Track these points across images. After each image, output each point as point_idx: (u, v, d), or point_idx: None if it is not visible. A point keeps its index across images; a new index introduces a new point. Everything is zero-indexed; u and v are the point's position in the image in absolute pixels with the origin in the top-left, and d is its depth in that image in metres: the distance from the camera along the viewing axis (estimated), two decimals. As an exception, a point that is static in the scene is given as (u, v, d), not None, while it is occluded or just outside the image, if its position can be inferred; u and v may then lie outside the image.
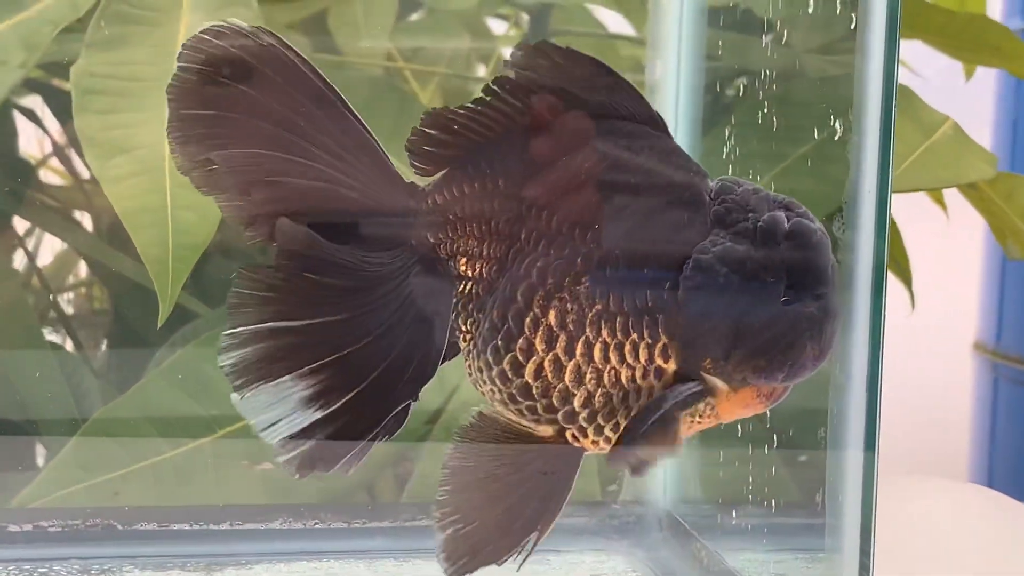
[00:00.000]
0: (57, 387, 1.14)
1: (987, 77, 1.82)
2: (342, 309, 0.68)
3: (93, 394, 1.16)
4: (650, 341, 0.68)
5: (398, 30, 1.28)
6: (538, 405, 0.70)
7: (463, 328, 0.71)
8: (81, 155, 1.31)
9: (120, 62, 1.00)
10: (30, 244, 1.33)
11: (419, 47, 1.30)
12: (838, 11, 0.79)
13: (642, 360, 0.68)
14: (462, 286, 0.71)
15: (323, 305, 0.67)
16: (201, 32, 0.69)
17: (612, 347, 0.68)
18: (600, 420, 0.70)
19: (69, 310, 1.38)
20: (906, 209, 1.20)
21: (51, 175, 1.38)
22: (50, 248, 1.36)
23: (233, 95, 0.68)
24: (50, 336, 1.29)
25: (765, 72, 0.90)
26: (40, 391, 1.15)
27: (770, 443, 0.90)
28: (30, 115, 1.29)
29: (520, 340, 0.69)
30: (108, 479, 1.03)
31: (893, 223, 1.36)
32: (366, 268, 0.69)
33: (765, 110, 0.88)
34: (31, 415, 1.13)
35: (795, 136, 0.88)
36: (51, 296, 1.33)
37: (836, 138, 0.78)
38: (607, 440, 0.70)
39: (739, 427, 0.93)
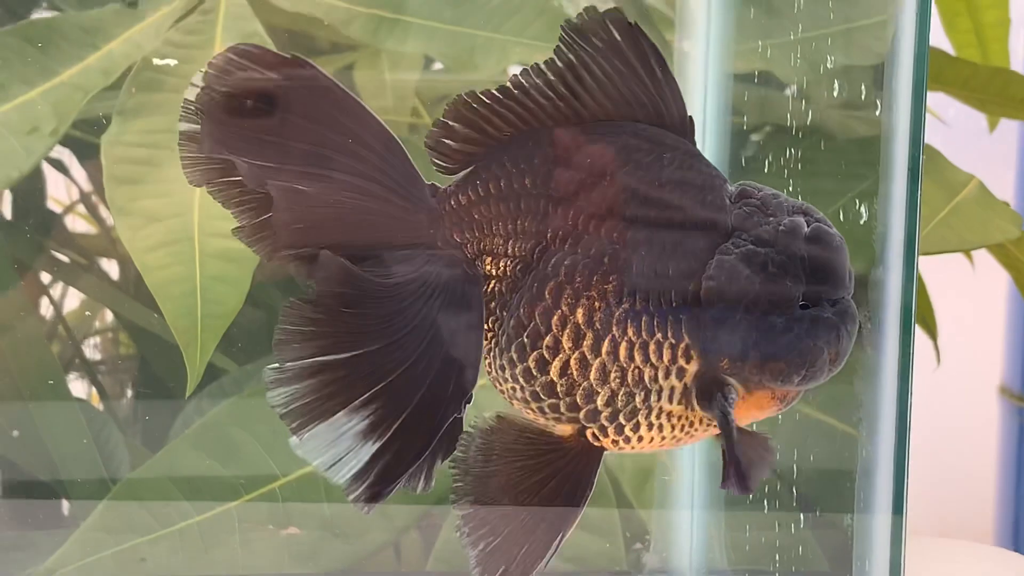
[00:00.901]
0: (84, 445, 1.15)
1: (1011, 124, 1.81)
2: (383, 336, 0.68)
3: (120, 451, 1.16)
4: (673, 341, 0.69)
5: (423, 83, 1.29)
6: (561, 403, 0.70)
7: (487, 326, 0.71)
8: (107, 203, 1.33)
9: (149, 130, 1.01)
10: (56, 290, 1.34)
11: (443, 97, 1.31)
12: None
13: (665, 360, 0.69)
14: (487, 285, 0.71)
15: (365, 335, 0.67)
16: (229, 52, 0.69)
17: (637, 346, 0.69)
18: (621, 419, 0.70)
19: (95, 355, 1.39)
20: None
21: (78, 221, 1.39)
22: (76, 292, 1.37)
23: (262, 118, 0.69)
24: (74, 383, 1.30)
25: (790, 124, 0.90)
26: (67, 449, 1.15)
27: (797, 509, 0.90)
28: (57, 165, 1.31)
29: (547, 337, 0.69)
30: (135, 544, 1.03)
31: (920, 278, 1.37)
32: (399, 288, 0.69)
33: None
34: (59, 475, 1.13)
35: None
36: (76, 344, 1.34)
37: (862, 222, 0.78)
38: (626, 440, 0.71)
39: (766, 492, 0.93)
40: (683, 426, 0.71)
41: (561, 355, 0.69)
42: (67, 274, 1.30)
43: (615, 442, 0.71)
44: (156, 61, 1.04)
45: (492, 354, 0.71)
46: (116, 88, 1.05)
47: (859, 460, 0.78)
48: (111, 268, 1.36)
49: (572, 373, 0.69)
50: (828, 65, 0.88)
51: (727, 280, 0.68)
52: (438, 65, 1.33)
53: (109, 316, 1.39)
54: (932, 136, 1.54)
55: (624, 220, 0.69)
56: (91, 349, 1.40)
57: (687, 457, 1.03)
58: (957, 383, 1.86)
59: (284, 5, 1.10)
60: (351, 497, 0.68)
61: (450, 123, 0.70)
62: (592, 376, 0.69)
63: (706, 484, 1.04)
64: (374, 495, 0.68)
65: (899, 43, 0.74)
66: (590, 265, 0.69)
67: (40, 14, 1.20)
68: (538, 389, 0.70)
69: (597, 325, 0.69)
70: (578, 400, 0.70)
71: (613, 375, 0.69)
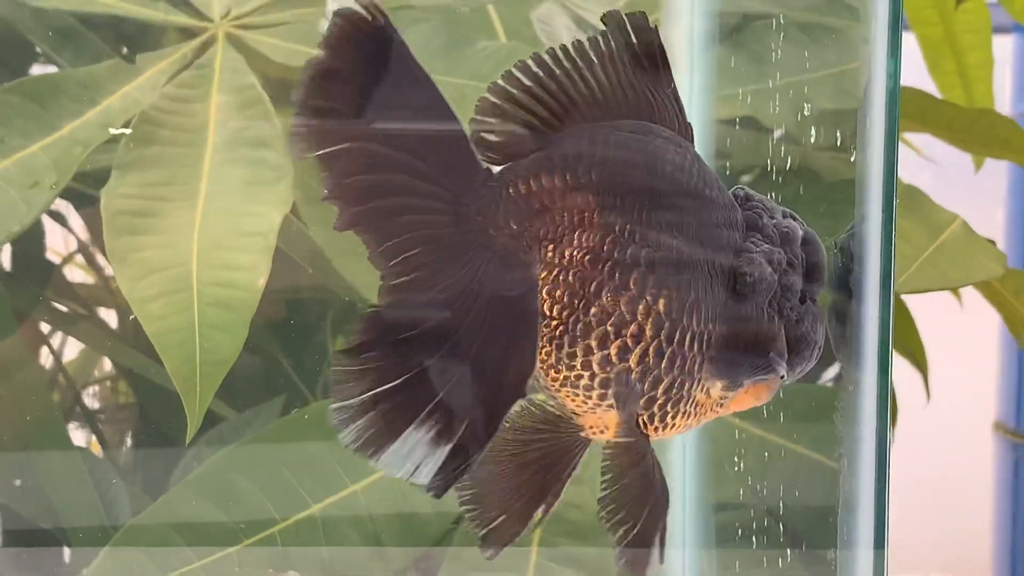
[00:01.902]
0: (86, 493, 1.17)
1: (1000, 161, 1.84)
2: (437, 348, 0.67)
3: (121, 498, 1.18)
4: (712, 331, 0.72)
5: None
6: (629, 392, 0.71)
7: (551, 313, 0.71)
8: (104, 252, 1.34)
9: (148, 183, 1.03)
10: (55, 339, 1.36)
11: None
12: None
13: (706, 348, 0.72)
14: (550, 273, 0.70)
15: (418, 356, 0.66)
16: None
17: (696, 336, 0.71)
18: (669, 406, 0.72)
19: (94, 403, 1.41)
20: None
21: (76, 271, 1.41)
22: (72, 344, 1.39)
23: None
24: (75, 432, 1.32)
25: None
26: (69, 497, 1.17)
27: (785, 545, 0.91)
28: (55, 216, 1.33)
29: (632, 326, 0.69)
30: (138, 591, 1.05)
31: (908, 314, 1.38)
32: (446, 294, 0.67)
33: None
34: (61, 523, 1.15)
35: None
36: (76, 393, 1.36)
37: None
38: (664, 426, 0.72)
39: (754, 529, 0.94)
40: (701, 413, 0.74)
41: (643, 343, 0.70)
42: (66, 324, 1.32)
43: (656, 428, 0.73)
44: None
45: (554, 343, 0.71)
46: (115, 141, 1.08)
47: (841, 495, 0.79)
48: (109, 317, 1.37)
49: (648, 360, 0.70)
50: (805, 112, 0.90)
51: (758, 275, 0.72)
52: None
53: (108, 364, 1.41)
54: (921, 175, 1.56)
55: (679, 215, 0.71)
56: (90, 397, 1.41)
57: (677, 495, 1.04)
58: (953, 420, 1.88)
59: (279, 58, 1.12)
60: (432, 494, 0.66)
61: (499, 107, 0.69)
62: (664, 364, 0.70)
63: (697, 522, 1.05)
64: (448, 484, 0.67)
65: (872, 87, 0.77)
66: (666, 257, 0.70)
67: (38, 68, 1.23)
68: (612, 376, 0.70)
69: (674, 315, 0.70)
70: (646, 387, 0.71)
71: (678, 363, 0.71)
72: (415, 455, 0.66)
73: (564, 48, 0.69)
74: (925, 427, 1.53)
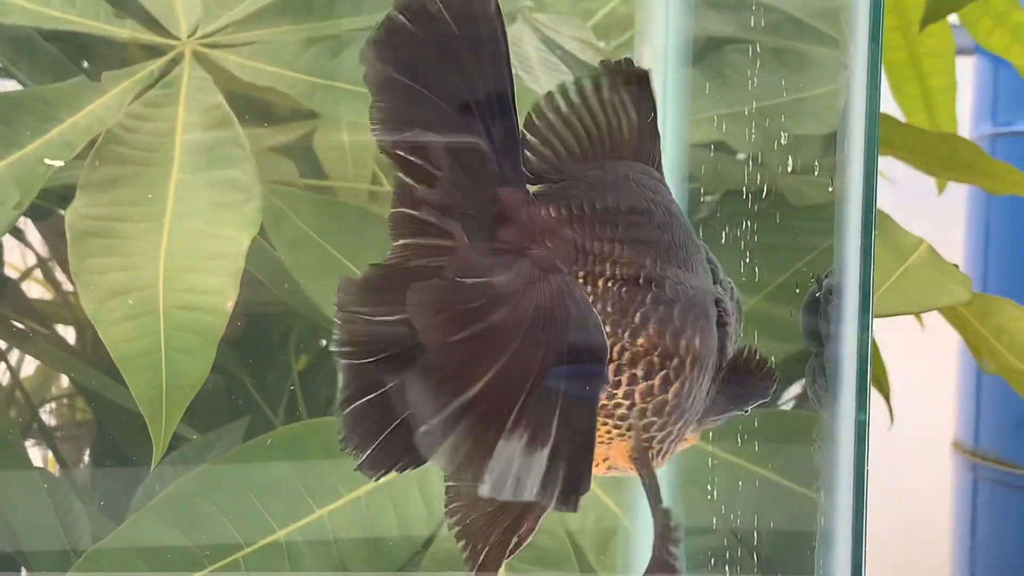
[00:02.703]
0: (45, 515, 1.15)
1: (960, 185, 1.85)
2: (500, 352, 0.63)
3: (81, 521, 1.16)
4: (719, 362, 0.72)
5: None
6: (659, 421, 0.69)
7: None
8: (64, 269, 1.33)
9: (114, 203, 1.01)
10: (12, 356, 1.34)
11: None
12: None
13: (715, 381, 0.73)
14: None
15: (484, 360, 0.63)
16: None
17: (713, 367, 0.71)
18: (675, 442, 0.71)
19: (52, 422, 1.39)
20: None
21: (34, 287, 1.39)
22: (29, 361, 1.37)
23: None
24: (32, 450, 1.30)
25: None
26: (28, 519, 1.15)
27: (759, 573, 0.91)
28: (14, 231, 1.31)
29: (675, 359, 0.68)
30: (100, 618, 1.03)
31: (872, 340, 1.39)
32: (501, 295, 0.63)
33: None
34: (20, 546, 1.13)
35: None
36: (34, 411, 1.34)
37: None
38: (663, 459, 0.71)
39: (727, 559, 0.94)
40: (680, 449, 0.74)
41: (683, 376, 0.69)
42: (23, 341, 1.31)
43: (656, 463, 0.72)
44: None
45: None
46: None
47: (818, 525, 0.79)
48: (67, 334, 1.36)
49: (683, 394, 0.69)
50: (783, 137, 0.90)
51: (738, 314, 0.74)
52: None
53: (66, 382, 1.39)
54: (881, 198, 1.57)
55: (687, 254, 0.71)
56: (48, 415, 1.39)
57: (648, 520, 1.04)
58: (912, 440, 1.89)
59: (246, 77, 1.11)
60: (556, 505, 0.63)
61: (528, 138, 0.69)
62: (692, 397, 0.70)
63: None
64: (573, 487, 0.63)
65: (851, 111, 0.77)
66: (700, 293, 0.70)
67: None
68: (649, 407, 0.69)
69: (704, 348, 0.70)
70: (672, 418, 0.70)
71: (699, 398, 0.71)
72: (513, 468, 0.62)
73: (591, 81, 0.70)
74: (885, 446, 1.53)
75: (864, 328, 0.76)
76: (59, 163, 1.05)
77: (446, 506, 0.71)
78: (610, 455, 0.71)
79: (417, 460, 0.63)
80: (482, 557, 0.71)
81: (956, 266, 1.26)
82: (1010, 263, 1.94)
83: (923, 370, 1.91)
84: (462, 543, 0.71)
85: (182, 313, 0.97)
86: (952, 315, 1.30)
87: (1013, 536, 1.97)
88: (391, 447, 0.63)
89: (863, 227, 0.77)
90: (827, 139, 0.90)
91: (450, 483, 0.71)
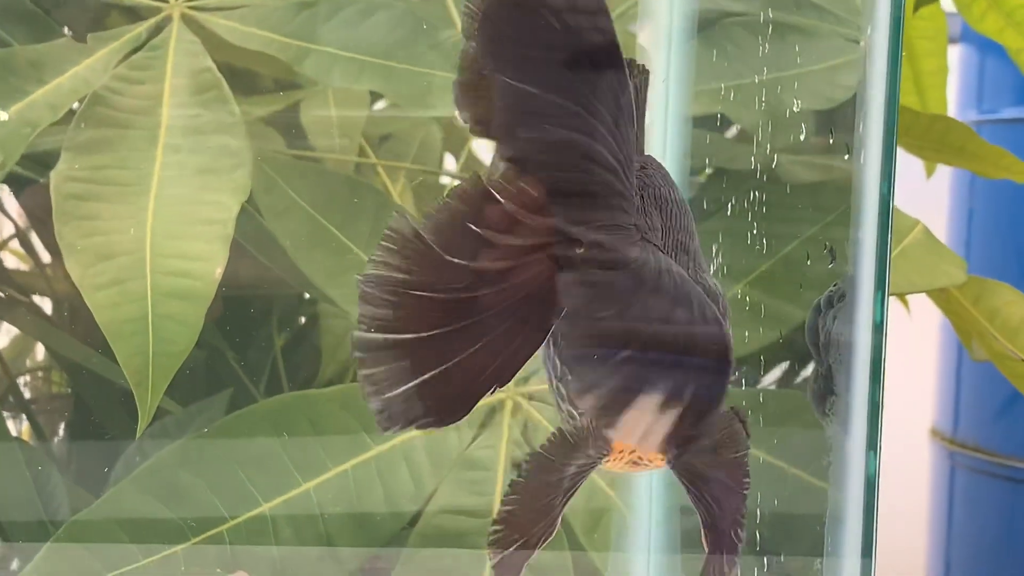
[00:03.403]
0: (22, 485, 1.13)
1: (944, 170, 1.85)
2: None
3: (59, 492, 1.14)
4: None
5: (371, 121, 1.28)
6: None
7: None
8: (42, 238, 1.30)
9: (100, 166, 0.99)
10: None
11: (387, 135, 1.31)
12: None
13: None
14: None
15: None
16: None
17: None
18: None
19: (29, 393, 1.37)
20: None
21: (8, 258, 1.37)
22: (6, 332, 1.35)
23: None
24: (8, 421, 1.28)
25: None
26: (4, 489, 1.13)
27: (760, 552, 0.90)
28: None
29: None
30: (80, 589, 1.01)
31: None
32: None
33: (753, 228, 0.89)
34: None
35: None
36: (11, 381, 1.32)
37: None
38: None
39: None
40: None
41: None
42: (2, 309, 1.28)
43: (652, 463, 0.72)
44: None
45: None
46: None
47: (829, 504, 0.78)
48: (45, 305, 1.33)
49: None
50: (794, 108, 0.89)
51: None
52: (381, 103, 1.33)
53: (44, 354, 1.37)
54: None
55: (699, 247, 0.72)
56: (25, 387, 1.37)
57: (644, 498, 1.03)
58: (890, 426, 1.88)
59: (236, 40, 1.09)
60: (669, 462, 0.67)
61: None
62: None
63: (663, 526, 1.04)
64: (686, 450, 0.67)
65: (870, 83, 0.75)
66: (714, 290, 0.70)
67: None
68: None
69: None
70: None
71: None
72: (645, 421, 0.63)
73: None
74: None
75: (880, 304, 0.75)
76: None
77: (505, 495, 0.71)
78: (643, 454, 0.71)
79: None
80: (515, 547, 0.71)
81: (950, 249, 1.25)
82: (993, 249, 1.94)
83: (902, 357, 1.90)
84: (502, 529, 0.70)
85: (170, 279, 0.95)
86: (942, 298, 1.29)
87: (989, 524, 1.97)
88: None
89: (880, 207, 0.76)
90: (831, 114, 0.89)
91: (519, 478, 0.71)
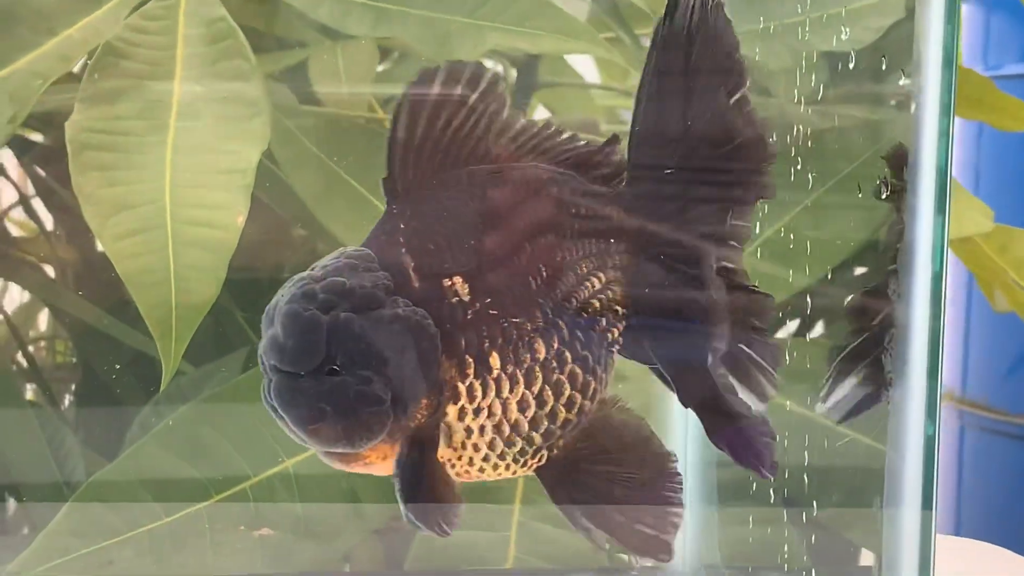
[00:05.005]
0: (38, 447, 1.11)
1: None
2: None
3: (74, 455, 1.13)
4: None
5: (380, 78, 1.26)
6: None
7: None
8: (48, 205, 1.28)
9: (115, 116, 0.97)
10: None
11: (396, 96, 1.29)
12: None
13: None
14: None
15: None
16: None
17: None
18: None
19: (40, 356, 1.35)
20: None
21: (13, 227, 1.35)
22: (9, 302, 1.33)
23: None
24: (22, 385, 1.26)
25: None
26: (20, 453, 1.12)
27: (805, 503, 0.90)
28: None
29: None
30: (102, 547, 1.00)
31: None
32: None
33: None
34: (13, 478, 1.10)
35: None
36: (23, 345, 1.30)
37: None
38: None
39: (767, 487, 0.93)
40: None
41: None
42: (13, 272, 1.26)
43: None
44: None
45: None
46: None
47: (886, 459, 0.77)
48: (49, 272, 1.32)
49: None
50: (842, 37, 0.87)
51: None
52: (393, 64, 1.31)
53: (51, 319, 1.35)
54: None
55: None
56: (38, 350, 1.36)
57: (679, 450, 1.02)
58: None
59: (249, -9, 1.07)
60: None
61: None
62: None
63: (700, 478, 1.03)
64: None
65: (928, 13, 0.73)
66: None
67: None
68: None
69: None
70: None
71: None
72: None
73: None
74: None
75: (939, 256, 0.74)
76: None
77: None
78: None
79: None
80: None
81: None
82: (1000, 204, 1.92)
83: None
84: None
85: (191, 228, 0.93)
86: (965, 248, 1.27)
87: (999, 483, 1.96)
88: None
89: (940, 131, 0.74)
90: (867, 52, 0.87)
91: None
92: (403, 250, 0.68)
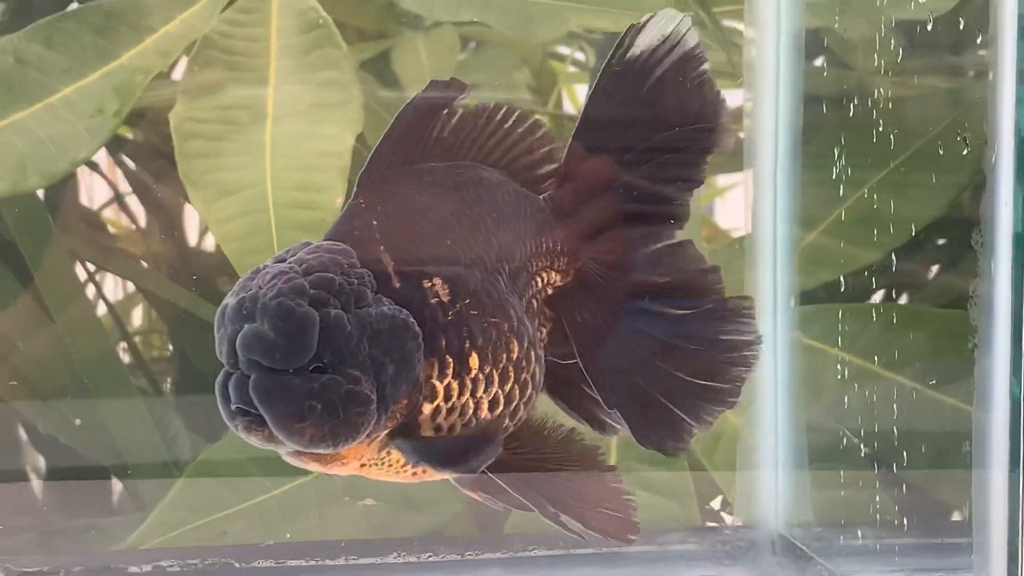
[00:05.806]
0: (146, 431, 1.15)
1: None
2: None
3: (180, 437, 1.16)
4: None
5: (461, 66, 1.29)
6: None
7: None
8: (144, 202, 1.33)
9: (216, 107, 1.01)
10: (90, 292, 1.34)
11: (477, 83, 1.31)
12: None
13: None
14: None
15: None
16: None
17: None
18: None
19: (144, 345, 1.39)
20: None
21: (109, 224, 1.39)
22: (116, 287, 1.37)
23: None
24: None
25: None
26: (130, 435, 1.15)
27: (891, 463, 0.91)
28: (91, 165, 1.30)
29: None
30: (216, 519, 1.03)
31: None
32: None
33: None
34: (126, 459, 1.13)
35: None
36: (128, 335, 1.34)
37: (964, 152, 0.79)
38: None
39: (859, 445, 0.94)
40: None
41: None
42: (119, 268, 1.30)
43: None
44: None
45: None
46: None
47: (973, 422, 0.78)
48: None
49: None
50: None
51: None
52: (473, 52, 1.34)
53: (151, 310, 1.39)
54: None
55: None
56: (141, 339, 1.40)
57: (770, 415, 1.04)
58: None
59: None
60: None
61: None
62: None
63: (791, 442, 1.04)
64: None
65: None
66: None
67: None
68: None
69: None
70: None
71: None
72: None
73: None
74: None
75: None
76: None
77: None
78: None
79: None
80: None
81: None
82: None
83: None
84: None
85: (292, 211, 0.96)
86: None
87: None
88: None
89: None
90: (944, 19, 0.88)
91: None
92: (381, 247, 0.67)
